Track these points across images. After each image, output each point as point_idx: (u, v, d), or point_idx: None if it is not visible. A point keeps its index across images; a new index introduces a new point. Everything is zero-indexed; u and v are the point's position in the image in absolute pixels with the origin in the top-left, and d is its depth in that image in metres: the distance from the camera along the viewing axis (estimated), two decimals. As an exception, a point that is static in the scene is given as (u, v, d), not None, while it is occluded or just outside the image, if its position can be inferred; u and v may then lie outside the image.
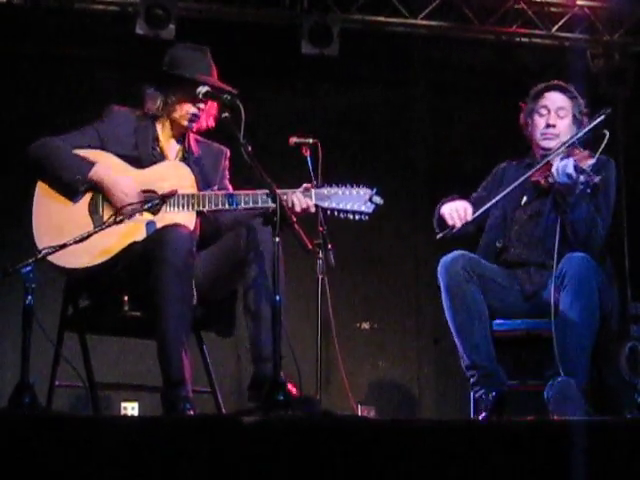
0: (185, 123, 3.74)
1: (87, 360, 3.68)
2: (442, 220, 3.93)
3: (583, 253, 3.72)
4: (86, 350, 3.68)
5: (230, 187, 3.83)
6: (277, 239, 3.19)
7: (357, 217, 3.65)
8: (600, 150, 3.80)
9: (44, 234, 3.49)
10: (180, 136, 3.81)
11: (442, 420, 2.89)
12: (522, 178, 3.89)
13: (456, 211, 3.87)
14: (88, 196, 3.59)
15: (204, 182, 3.74)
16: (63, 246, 3.25)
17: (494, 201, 3.89)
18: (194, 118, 3.73)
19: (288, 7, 6.12)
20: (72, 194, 3.57)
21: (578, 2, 6.35)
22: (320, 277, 4.15)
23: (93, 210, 3.58)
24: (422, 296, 6.30)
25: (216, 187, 3.75)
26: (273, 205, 3.28)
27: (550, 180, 3.87)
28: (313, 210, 3.62)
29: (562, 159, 3.84)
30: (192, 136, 3.83)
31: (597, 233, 3.86)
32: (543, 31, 6.39)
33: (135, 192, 3.54)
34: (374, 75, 6.48)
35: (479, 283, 3.77)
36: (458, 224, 3.84)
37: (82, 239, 3.29)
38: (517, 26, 6.37)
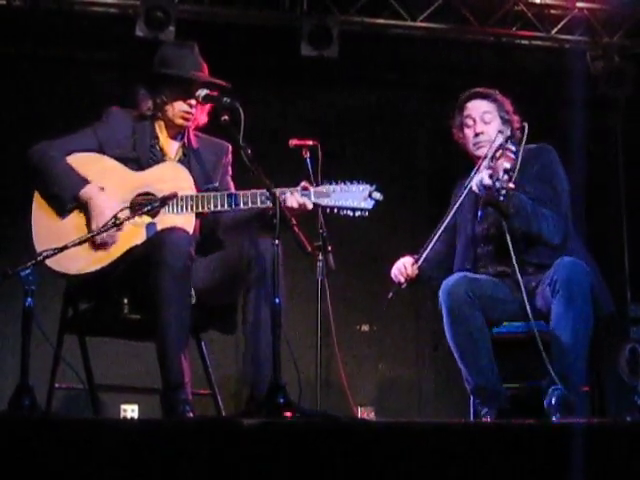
0: (179, 122, 3.71)
1: (87, 362, 3.67)
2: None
3: (572, 257, 3.70)
4: (86, 352, 3.68)
5: (232, 184, 3.81)
6: (277, 242, 3.18)
7: (357, 213, 3.61)
8: (523, 142, 3.77)
9: (44, 238, 3.48)
10: (178, 134, 3.79)
11: (442, 422, 2.89)
12: (459, 199, 3.88)
13: (397, 269, 3.99)
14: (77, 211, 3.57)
15: (204, 179, 3.72)
16: (63, 248, 3.24)
17: (431, 244, 3.90)
18: (188, 116, 3.70)
19: (288, 9, 6.13)
20: (60, 210, 3.55)
21: (577, 4, 6.37)
22: (320, 279, 4.16)
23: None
24: (421, 298, 6.30)
25: (217, 184, 3.73)
26: (271, 205, 3.28)
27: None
28: (310, 207, 3.57)
29: (477, 173, 3.81)
30: (192, 132, 3.81)
31: (549, 225, 3.77)
32: (543, 33, 6.40)
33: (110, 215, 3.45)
34: (374, 77, 6.48)
35: (480, 305, 3.74)
36: (402, 280, 3.98)
37: (82, 241, 3.30)
38: (517, 28, 6.38)
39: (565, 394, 3.50)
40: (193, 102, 3.68)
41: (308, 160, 3.93)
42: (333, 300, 4.13)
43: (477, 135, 4.00)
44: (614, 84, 6.37)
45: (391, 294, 3.96)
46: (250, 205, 3.55)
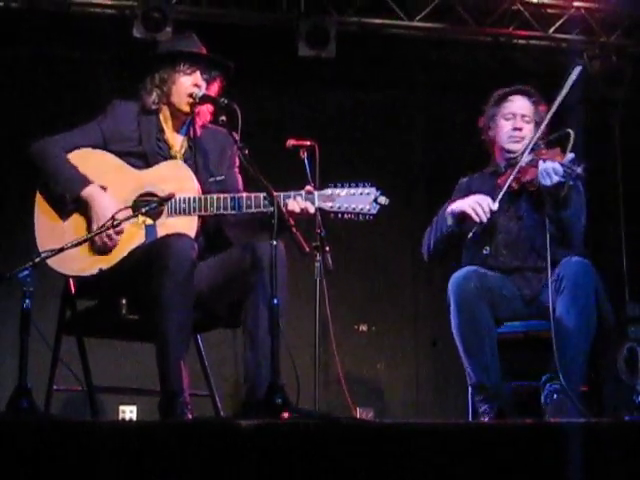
0: (185, 108, 3.64)
1: (85, 364, 3.67)
2: (460, 218, 3.86)
3: (580, 257, 3.72)
4: (84, 353, 3.67)
5: (239, 177, 3.76)
6: (274, 242, 3.18)
7: (361, 218, 3.55)
8: (569, 149, 3.77)
9: (46, 239, 3.48)
10: (183, 126, 3.73)
11: (440, 423, 2.89)
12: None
13: (479, 205, 3.79)
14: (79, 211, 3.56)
15: (209, 173, 3.68)
16: (60, 250, 3.24)
17: (505, 188, 3.83)
18: (193, 96, 3.61)
19: (285, 10, 6.13)
20: (61, 210, 3.54)
21: (575, 3, 6.37)
22: (318, 280, 4.15)
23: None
24: (420, 298, 6.31)
25: (222, 177, 3.69)
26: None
27: (535, 183, 3.83)
28: (312, 211, 3.53)
29: (544, 162, 3.77)
30: (198, 124, 3.74)
31: (582, 227, 3.86)
32: (540, 33, 6.40)
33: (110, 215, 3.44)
34: (371, 77, 6.48)
35: (488, 299, 3.74)
36: (484, 218, 3.77)
37: (79, 243, 3.29)
38: (514, 28, 6.38)
39: (562, 392, 3.51)
40: (199, 80, 3.65)
41: (306, 160, 3.93)
42: (331, 300, 4.12)
43: (515, 129, 4.00)
44: (611, 84, 6.38)
45: (471, 233, 3.81)
46: (254, 209, 3.51)
